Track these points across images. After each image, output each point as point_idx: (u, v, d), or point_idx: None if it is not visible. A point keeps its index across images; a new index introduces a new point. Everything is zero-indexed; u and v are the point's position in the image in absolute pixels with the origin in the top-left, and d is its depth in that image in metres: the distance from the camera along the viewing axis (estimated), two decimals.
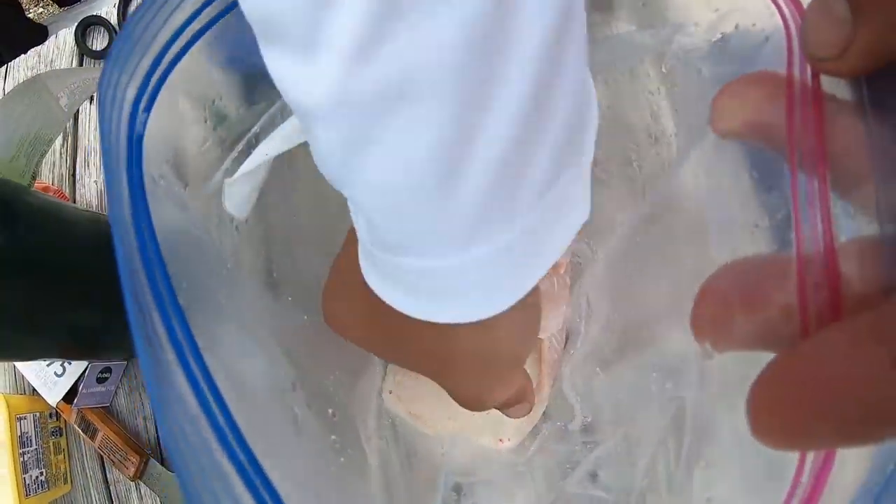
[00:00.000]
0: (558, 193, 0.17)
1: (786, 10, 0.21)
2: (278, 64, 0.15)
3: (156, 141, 0.25)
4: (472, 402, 0.27)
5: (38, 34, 1.35)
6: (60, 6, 1.44)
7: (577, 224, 0.19)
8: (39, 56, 0.72)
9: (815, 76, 0.15)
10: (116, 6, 0.69)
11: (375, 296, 0.20)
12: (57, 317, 0.42)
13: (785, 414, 0.12)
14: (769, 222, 0.23)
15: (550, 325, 0.39)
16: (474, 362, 0.24)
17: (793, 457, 0.18)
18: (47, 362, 0.49)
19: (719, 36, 0.29)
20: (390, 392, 0.41)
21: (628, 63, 0.35)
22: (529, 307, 0.20)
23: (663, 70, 0.34)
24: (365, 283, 0.21)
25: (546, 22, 0.14)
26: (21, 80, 0.71)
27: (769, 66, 0.17)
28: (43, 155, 0.50)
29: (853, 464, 0.17)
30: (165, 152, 0.28)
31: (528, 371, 0.39)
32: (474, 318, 0.19)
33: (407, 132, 0.15)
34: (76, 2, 1.40)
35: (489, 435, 0.40)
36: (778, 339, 0.14)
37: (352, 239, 0.23)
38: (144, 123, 0.24)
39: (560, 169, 0.17)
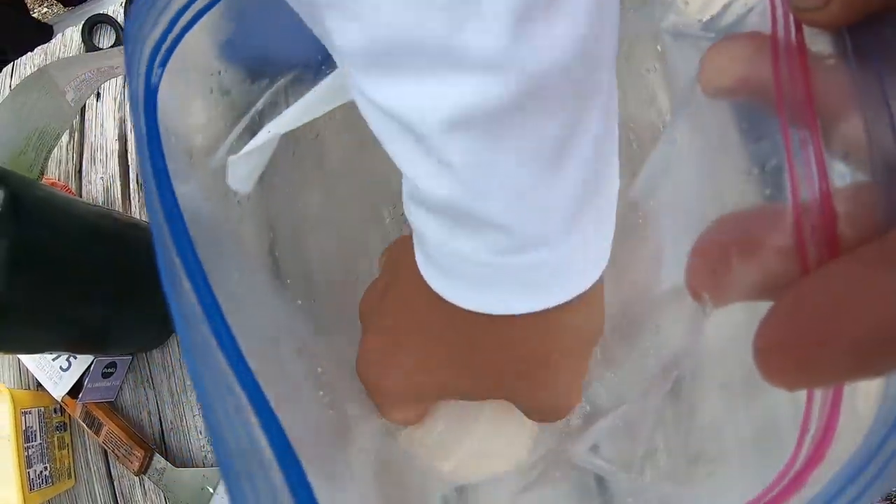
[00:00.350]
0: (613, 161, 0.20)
1: None
2: (397, 89, 0.16)
3: (166, 107, 0.25)
4: (560, 408, 0.28)
5: (43, 34, 1.35)
6: (65, 6, 1.44)
7: (617, 186, 0.21)
8: (46, 54, 0.72)
9: (798, 30, 0.15)
10: (123, 4, 0.69)
11: (453, 330, 0.23)
12: (64, 310, 0.42)
13: (796, 349, 0.12)
14: (759, 172, 0.23)
15: None
16: (575, 344, 0.24)
17: (791, 431, 0.18)
18: (53, 357, 0.49)
19: (709, 17, 0.30)
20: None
21: (624, 42, 0.35)
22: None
23: (658, 49, 0.35)
24: (426, 332, 0.24)
25: (615, 36, 0.17)
26: None
27: (754, 29, 0.17)
28: (51, 150, 0.51)
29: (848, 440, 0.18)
30: (174, 119, 0.28)
31: None
32: (586, 287, 0.20)
33: (535, 131, 0.16)
34: (82, 2, 1.41)
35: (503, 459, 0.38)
36: (776, 287, 0.14)
37: (396, 306, 0.26)
38: (160, 77, 0.24)
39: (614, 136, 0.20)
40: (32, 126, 0.49)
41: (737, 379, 0.29)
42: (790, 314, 0.12)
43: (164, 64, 0.23)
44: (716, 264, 0.15)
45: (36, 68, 0.72)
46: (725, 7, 0.28)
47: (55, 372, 0.49)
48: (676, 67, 0.34)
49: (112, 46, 0.67)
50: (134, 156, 0.60)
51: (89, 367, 0.49)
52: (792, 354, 0.12)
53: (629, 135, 0.37)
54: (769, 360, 0.13)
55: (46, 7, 1.57)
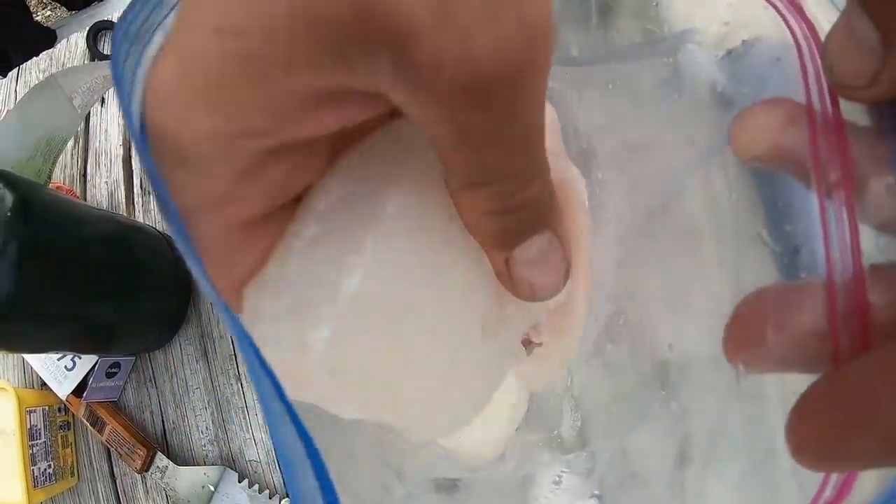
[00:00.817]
0: None
1: (797, 30, 0.22)
2: None
3: None
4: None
5: (46, 38, 1.37)
6: (69, 10, 1.46)
7: None
8: (51, 59, 0.74)
9: (834, 102, 0.16)
10: None
11: None
12: (70, 310, 0.43)
13: (831, 435, 0.12)
14: (781, 248, 0.24)
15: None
16: None
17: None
18: (58, 356, 0.51)
19: (725, 52, 0.30)
20: None
21: (632, 70, 0.36)
22: None
23: (666, 78, 0.35)
24: None
25: None
26: (33, 83, 0.73)
27: (782, 87, 0.18)
28: (58, 155, 0.52)
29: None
30: None
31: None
32: None
33: None
34: (85, 6, 1.42)
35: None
36: (810, 362, 0.14)
37: None
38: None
39: None
40: (41, 132, 0.50)
41: (730, 384, 0.30)
42: (828, 400, 0.13)
43: None
44: (751, 335, 0.16)
45: (42, 73, 0.74)
46: (746, 44, 0.28)
47: (60, 371, 0.50)
48: (687, 101, 0.34)
49: None
50: (138, 161, 0.61)
51: (93, 367, 0.50)
52: (827, 438, 0.12)
53: (630, 157, 0.38)
54: (803, 442, 0.13)
55: (49, 10, 1.59)
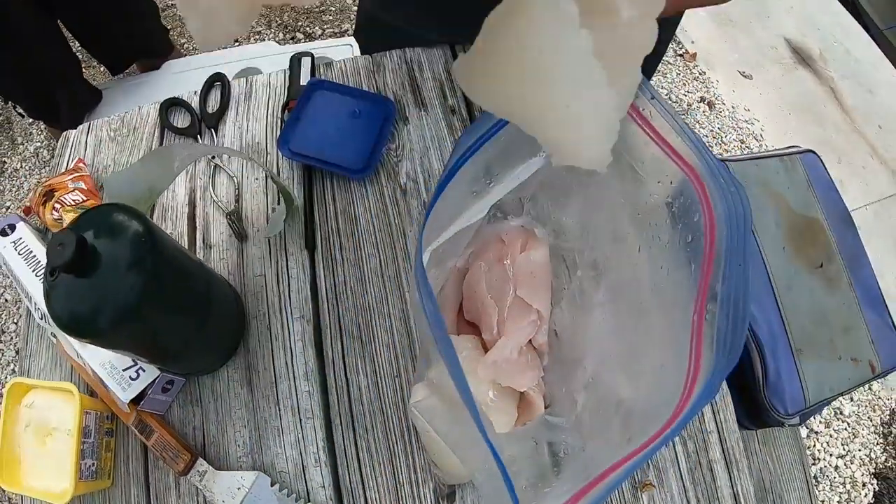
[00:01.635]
0: None
1: (703, 204, 0.38)
2: None
3: None
4: None
5: (93, 96, 1.47)
6: (113, 74, 1.58)
7: None
8: (122, 122, 0.86)
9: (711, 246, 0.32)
10: (198, 93, 0.84)
11: None
12: (160, 325, 0.53)
13: None
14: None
15: (527, 382, 0.55)
16: None
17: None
18: (124, 367, 0.59)
19: (668, 200, 0.45)
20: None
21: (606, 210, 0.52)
22: None
23: (638, 216, 0.51)
24: None
25: None
26: (102, 138, 0.84)
27: (700, 231, 0.33)
28: (154, 202, 0.63)
29: None
30: None
31: (508, 409, 0.54)
32: None
33: None
34: (122, 70, 1.53)
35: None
36: None
37: None
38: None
39: None
40: (148, 182, 0.62)
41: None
42: None
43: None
44: None
45: (113, 132, 0.85)
46: (678, 199, 0.43)
47: (125, 380, 0.59)
48: (638, 214, 0.49)
49: (187, 127, 0.81)
50: (201, 219, 0.72)
51: (154, 380, 0.59)
52: None
53: (601, 253, 0.54)
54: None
55: (83, 68, 1.70)
